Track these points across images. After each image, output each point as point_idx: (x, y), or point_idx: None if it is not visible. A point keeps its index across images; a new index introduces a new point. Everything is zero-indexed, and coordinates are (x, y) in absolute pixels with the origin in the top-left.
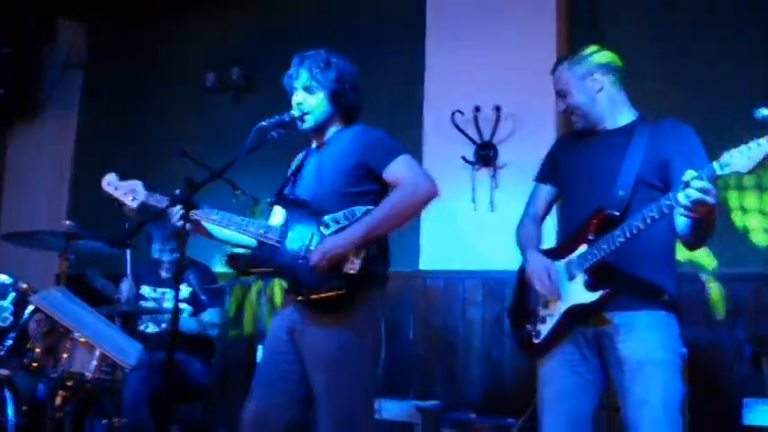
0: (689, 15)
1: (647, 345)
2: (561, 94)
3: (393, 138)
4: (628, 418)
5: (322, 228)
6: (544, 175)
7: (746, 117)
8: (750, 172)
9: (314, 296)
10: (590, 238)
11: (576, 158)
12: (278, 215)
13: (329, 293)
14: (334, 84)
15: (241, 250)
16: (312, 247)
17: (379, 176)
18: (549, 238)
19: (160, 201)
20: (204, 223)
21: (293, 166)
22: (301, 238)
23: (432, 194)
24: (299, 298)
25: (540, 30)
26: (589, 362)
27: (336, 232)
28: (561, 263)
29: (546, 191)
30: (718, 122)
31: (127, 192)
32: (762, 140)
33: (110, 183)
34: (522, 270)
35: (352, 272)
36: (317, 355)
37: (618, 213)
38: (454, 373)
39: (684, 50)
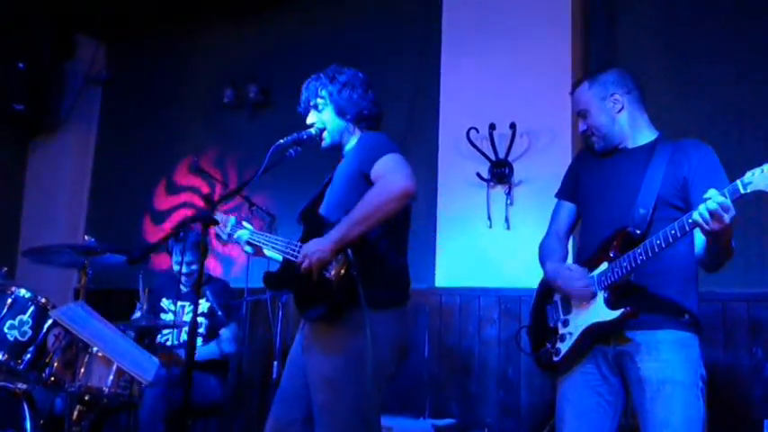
0: (705, 36)
1: (669, 365)
2: (582, 115)
3: (404, 149)
4: None
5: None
6: (565, 193)
7: (763, 137)
8: None
9: (305, 309)
10: (611, 255)
11: (595, 176)
12: None
13: (314, 305)
14: (337, 96)
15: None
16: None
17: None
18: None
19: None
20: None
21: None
22: None
23: (405, 190)
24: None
25: (555, 48)
26: (609, 382)
27: None
28: (586, 276)
29: (567, 208)
30: (734, 143)
31: (227, 226)
32: None
33: (222, 223)
34: (541, 286)
35: (329, 277)
36: (316, 374)
37: (640, 232)
38: (469, 392)
39: (700, 70)
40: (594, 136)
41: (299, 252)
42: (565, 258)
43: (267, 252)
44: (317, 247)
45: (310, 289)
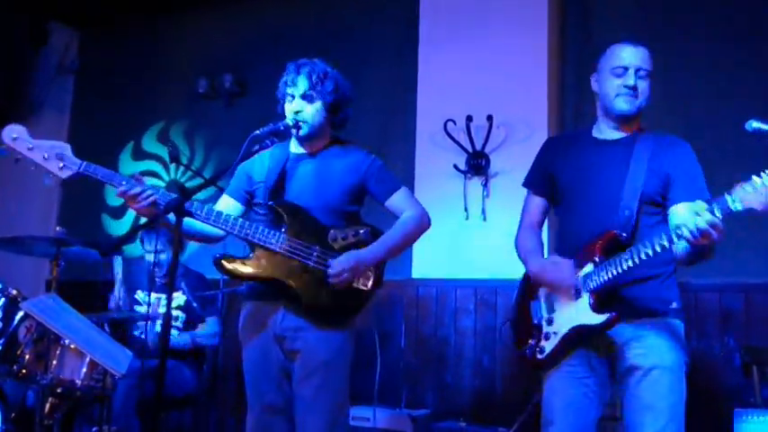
0: (681, 28)
1: (656, 351)
2: (646, 75)
3: (381, 141)
4: (631, 423)
5: (330, 241)
6: (536, 186)
7: (736, 129)
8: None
9: (322, 306)
10: (597, 259)
11: (574, 169)
12: (224, 204)
13: (338, 305)
14: (331, 95)
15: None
16: (325, 259)
17: (364, 198)
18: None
19: (109, 177)
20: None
21: (271, 167)
22: (308, 249)
23: (429, 226)
24: (307, 307)
25: (532, 41)
26: (596, 372)
27: (346, 249)
28: (573, 272)
29: (539, 201)
30: (708, 134)
31: (50, 156)
32: None
33: (18, 137)
34: (524, 281)
35: (364, 288)
36: (313, 357)
37: (626, 235)
38: (445, 382)
39: (677, 62)
40: (637, 99)
41: (310, 254)
42: (542, 252)
43: (188, 228)
44: (360, 263)
45: (326, 290)
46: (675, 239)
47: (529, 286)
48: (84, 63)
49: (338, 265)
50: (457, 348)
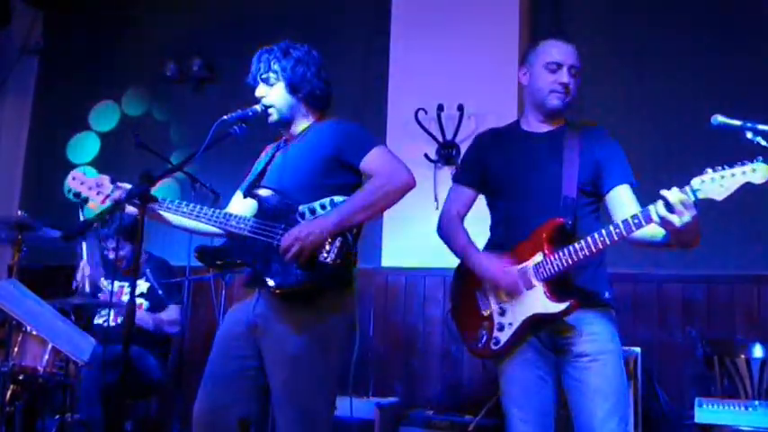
0: (647, 23)
1: (599, 338)
2: (576, 72)
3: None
4: (581, 408)
5: (297, 217)
6: (468, 179)
7: (702, 124)
8: (723, 199)
9: (285, 286)
10: (545, 247)
11: (507, 160)
12: (236, 205)
13: (301, 283)
14: (291, 72)
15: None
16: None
17: (356, 169)
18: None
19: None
20: (165, 213)
21: (264, 159)
22: (273, 228)
23: (407, 184)
24: (271, 289)
25: (503, 32)
26: (545, 356)
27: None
28: (515, 269)
29: (469, 194)
30: (674, 131)
31: (93, 187)
32: (736, 171)
33: (75, 178)
34: (459, 272)
35: (327, 261)
36: (281, 351)
37: (571, 222)
38: (413, 371)
39: (642, 55)
40: (568, 96)
41: (275, 233)
42: (474, 244)
43: (178, 221)
44: (311, 230)
45: (291, 270)
46: (633, 228)
47: (470, 276)
48: (48, 44)
49: (289, 235)
50: (425, 337)
